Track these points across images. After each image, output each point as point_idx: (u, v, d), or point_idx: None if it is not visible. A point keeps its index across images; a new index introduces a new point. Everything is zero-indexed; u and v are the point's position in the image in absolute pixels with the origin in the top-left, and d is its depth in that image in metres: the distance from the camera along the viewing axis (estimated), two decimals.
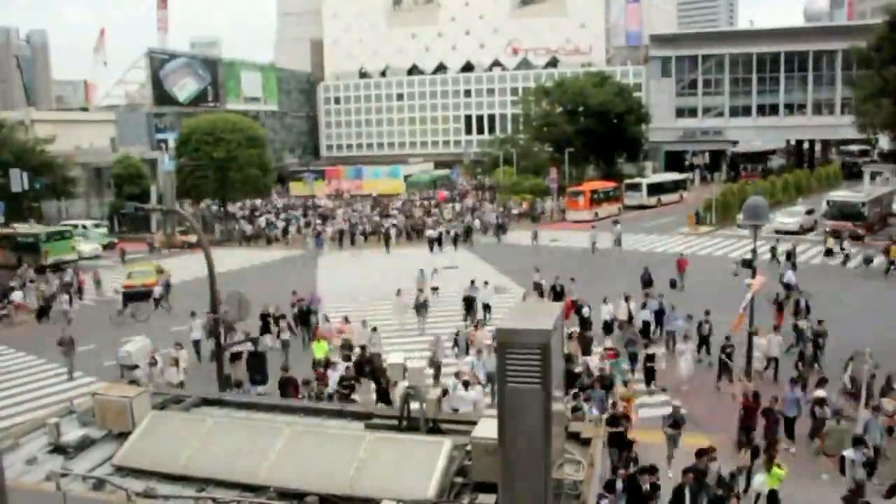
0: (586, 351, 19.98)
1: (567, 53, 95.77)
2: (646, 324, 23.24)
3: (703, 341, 21.12)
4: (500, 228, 48.92)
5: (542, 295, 27.78)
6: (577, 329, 21.89)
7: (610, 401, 15.51)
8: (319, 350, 20.73)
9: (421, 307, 25.68)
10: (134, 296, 31.69)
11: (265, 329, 23.47)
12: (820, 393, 15.50)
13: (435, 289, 30.42)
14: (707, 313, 21.20)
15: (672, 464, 14.15)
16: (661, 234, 45.88)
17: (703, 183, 72.88)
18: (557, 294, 26.72)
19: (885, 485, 12.00)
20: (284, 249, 48.00)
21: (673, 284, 27.89)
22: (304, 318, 25.08)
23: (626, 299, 24.27)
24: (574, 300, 25.37)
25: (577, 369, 17.72)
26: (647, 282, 28.16)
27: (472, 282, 27.76)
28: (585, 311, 23.78)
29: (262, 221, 56.64)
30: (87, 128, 68.46)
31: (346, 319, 23.60)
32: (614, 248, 41.15)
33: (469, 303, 26.80)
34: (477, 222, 50.47)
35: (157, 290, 31.94)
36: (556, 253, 41.27)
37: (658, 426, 15.30)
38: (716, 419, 16.70)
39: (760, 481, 12.31)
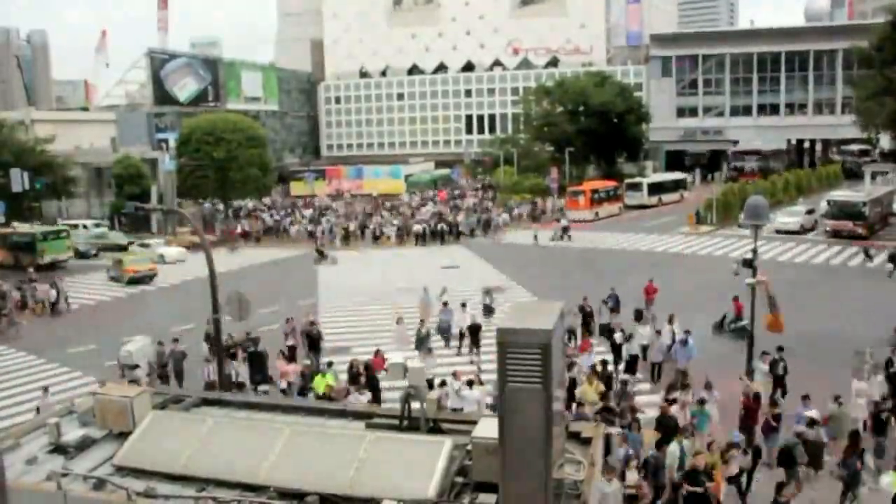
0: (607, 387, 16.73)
1: (567, 53, 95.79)
2: (633, 358, 19.42)
3: (779, 382, 17.18)
4: (488, 226, 49.28)
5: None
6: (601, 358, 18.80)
7: (673, 447, 12.77)
8: (322, 385, 17.27)
9: (423, 341, 21.22)
10: (140, 279, 36.28)
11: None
12: (812, 413, 14.23)
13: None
14: (780, 349, 17.57)
15: None
16: (662, 234, 45.88)
17: (703, 182, 72.86)
18: (586, 316, 22.74)
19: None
20: (293, 247, 47.74)
21: (638, 316, 22.30)
22: (314, 344, 21.33)
23: (671, 320, 20.51)
24: (606, 324, 21.71)
25: (621, 404, 15.45)
26: (614, 306, 23.41)
27: (446, 304, 23.78)
28: (618, 336, 20.14)
29: (266, 218, 56.56)
30: (87, 128, 68.51)
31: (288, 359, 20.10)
32: (557, 242, 44.06)
33: (474, 332, 22.08)
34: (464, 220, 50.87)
35: (53, 294, 30.94)
36: (514, 249, 42.11)
37: None
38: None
39: (888, 482, 11.75)
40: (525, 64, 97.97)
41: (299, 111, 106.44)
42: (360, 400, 15.82)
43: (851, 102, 64.27)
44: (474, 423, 6.73)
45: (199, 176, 55.20)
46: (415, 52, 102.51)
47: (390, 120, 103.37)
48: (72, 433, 7.52)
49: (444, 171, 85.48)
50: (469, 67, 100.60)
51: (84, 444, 7.38)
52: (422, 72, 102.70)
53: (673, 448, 12.60)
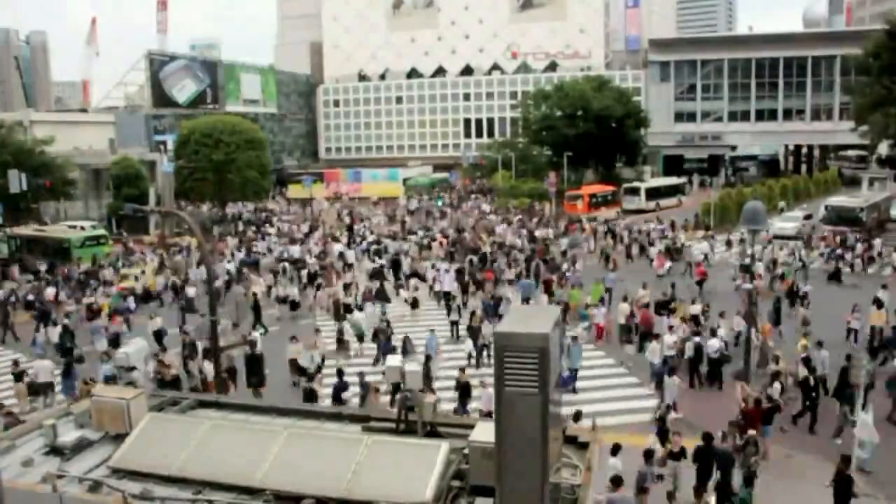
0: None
1: (566, 57, 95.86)
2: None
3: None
4: None
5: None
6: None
7: None
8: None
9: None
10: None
11: None
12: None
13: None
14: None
15: None
16: None
17: (701, 187, 72.91)
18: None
19: None
20: None
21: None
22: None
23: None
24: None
25: None
26: (463, 390, 17.53)
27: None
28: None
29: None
30: (86, 129, 68.38)
31: None
32: None
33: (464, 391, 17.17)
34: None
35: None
36: None
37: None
38: (713, 423, 16.64)
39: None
40: (524, 68, 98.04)
41: (298, 114, 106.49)
42: None
43: (849, 109, 64.32)
44: (471, 426, 6.73)
45: (197, 178, 55.14)
46: (414, 55, 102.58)
47: (389, 123, 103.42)
48: (68, 435, 7.49)
49: (443, 175, 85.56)
50: (468, 71, 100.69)
51: (80, 446, 7.35)
52: (420, 75, 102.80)
53: None
